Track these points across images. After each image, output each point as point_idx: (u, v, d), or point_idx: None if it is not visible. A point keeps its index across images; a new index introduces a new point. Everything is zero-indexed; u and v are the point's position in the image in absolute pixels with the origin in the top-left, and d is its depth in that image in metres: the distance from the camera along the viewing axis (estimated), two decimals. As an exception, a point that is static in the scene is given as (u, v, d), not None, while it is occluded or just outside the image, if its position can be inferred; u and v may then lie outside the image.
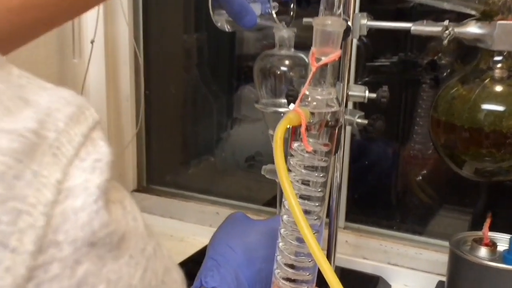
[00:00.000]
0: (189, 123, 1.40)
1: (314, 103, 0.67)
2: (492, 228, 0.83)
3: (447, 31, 0.75)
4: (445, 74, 1.14)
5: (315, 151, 0.67)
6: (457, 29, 0.75)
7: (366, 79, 1.14)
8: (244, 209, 1.15)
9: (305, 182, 0.68)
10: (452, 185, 1.13)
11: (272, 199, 1.16)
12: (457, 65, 1.13)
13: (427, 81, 1.13)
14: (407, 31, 0.79)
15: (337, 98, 0.69)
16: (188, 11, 1.34)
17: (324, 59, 0.66)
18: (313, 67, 0.67)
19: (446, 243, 0.99)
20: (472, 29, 0.75)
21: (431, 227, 1.08)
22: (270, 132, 0.93)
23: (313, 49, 0.67)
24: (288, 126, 0.64)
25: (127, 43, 1.15)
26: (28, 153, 0.25)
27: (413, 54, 1.16)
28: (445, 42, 0.75)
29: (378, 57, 1.17)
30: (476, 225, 1.09)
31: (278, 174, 0.61)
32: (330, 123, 0.68)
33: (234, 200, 1.20)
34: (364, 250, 1.04)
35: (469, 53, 1.10)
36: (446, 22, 0.75)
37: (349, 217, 1.08)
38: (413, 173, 1.17)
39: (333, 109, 0.68)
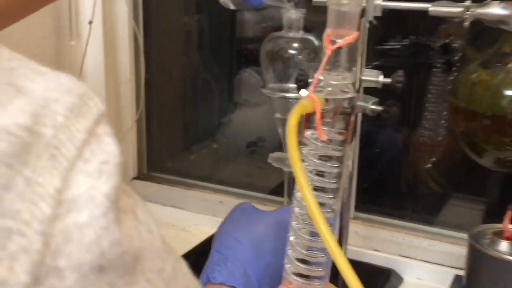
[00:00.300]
0: (190, 108, 1.37)
1: (329, 88, 0.63)
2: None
3: (468, 12, 0.70)
4: (456, 58, 1.10)
5: (329, 140, 0.63)
6: (479, 10, 0.70)
7: (376, 63, 1.10)
8: (248, 198, 1.11)
9: (319, 173, 0.64)
10: (465, 173, 1.09)
11: (277, 187, 1.12)
12: (469, 50, 1.08)
13: (438, 65, 1.09)
14: (418, 12, 0.75)
15: (353, 84, 0.65)
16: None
17: (339, 42, 0.62)
18: (328, 50, 0.62)
19: (461, 235, 0.96)
20: (495, 10, 0.70)
21: (444, 217, 1.05)
22: (277, 115, 0.89)
23: (327, 30, 0.63)
24: (302, 114, 0.60)
25: (126, 24, 1.10)
26: (19, 155, 0.20)
27: (424, 37, 1.12)
28: (466, 23, 0.70)
29: (387, 40, 1.13)
30: (491, 215, 1.06)
31: (292, 165, 0.57)
32: (346, 110, 0.64)
33: (238, 188, 1.16)
34: (375, 241, 1.00)
35: (481, 36, 1.06)
36: (467, 2, 0.70)
37: (358, 207, 1.04)
38: (424, 160, 1.14)
39: (348, 95, 0.64)
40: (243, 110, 1.32)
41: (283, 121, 0.89)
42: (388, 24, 1.09)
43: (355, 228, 1.00)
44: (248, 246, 0.72)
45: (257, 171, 1.26)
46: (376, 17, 0.77)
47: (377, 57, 1.11)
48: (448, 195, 1.09)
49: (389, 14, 0.79)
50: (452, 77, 1.09)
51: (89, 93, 0.24)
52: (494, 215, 1.06)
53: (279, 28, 1.29)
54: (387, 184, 1.15)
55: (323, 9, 0.63)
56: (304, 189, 0.55)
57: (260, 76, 1.27)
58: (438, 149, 1.13)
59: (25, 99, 0.22)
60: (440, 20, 1.06)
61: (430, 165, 1.13)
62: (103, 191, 0.22)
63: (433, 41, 1.10)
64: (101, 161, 0.23)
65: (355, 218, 1.03)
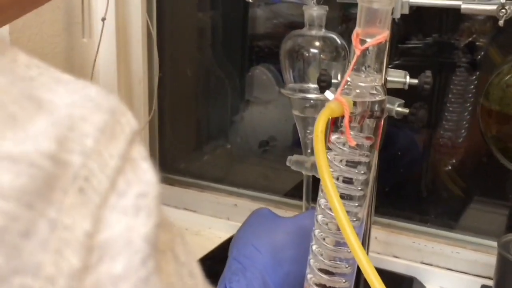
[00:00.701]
0: (202, 106, 1.34)
1: (357, 90, 0.60)
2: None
3: (503, 10, 0.67)
4: (479, 57, 1.06)
5: (357, 145, 0.60)
6: (515, 8, 0.67)
7: (397, 62, 1.06)
8: (263, 201, 1.09)
9: (346, 179, 0.61)
10: (489, 176, 1.05)
11: (293, 189, 1.09)
12: (491, 49, 1.05)
13: (462, 65, 1.06)
14: (440, 9, 0.72)
15: (382, 86, 0.62)
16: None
17: (369, 41, 0.59)
18: (358, 50, 0.59)
19: (486, 241, 0.93)
20: (532, 8, 0.67)
21: (468, 223, 1.01)
22: (295, 113, 0.86)
23: (357, 29, 0.59)
24: (330, 118, 0.57)
25: (139, 21, 1.07)
26: (42, 192, 0.16)
27: (446, 35, 1.08)
28: (501, 22, 0.67)
29: (409, 38, 1.10)
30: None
31: (320, 173, 0.53)
32: (375, 113, 0.60)
33: (252, 191, 1.13)
34: (395, 247, 0.96)
35: (505, 35, 1.03)
36: (503, 0, 0.66)
37: (378, 211, 1.00)
38: (445, 163, 1.10)
39: (378, 98, 0.61)
40: (255, 108, 1.29)
41: (302, 119, 0.86)
42: (410, 21, 1.06)
43: (375, 234, 0.97)
44: (267, 255, 0.69)
45: (271, 172, 1.24)
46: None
47: (398, 55, 1.08)
48: (471, 199, 1.05)
49: (410, 11, 0.76)
50: (474, 77, 1.06)
51: (121, 108, 0.20)
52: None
53: (290, 24, 1.27)
54: (408, 187, 1.12)
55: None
56: (333, 199, 0.52)
57: (271, 73, 1.25)
58: (459, 150, 1.09)
59: (48, 118, 0.18)
60: (463, 17, 1.03)
61: (450, 168, 1.10)
62: (142, 233, 0.18)
63: (456, 40, 1.06)
64: (138, 193, 0.19)
65: (374, 222, 0.99)
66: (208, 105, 1.34)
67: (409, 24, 1.07)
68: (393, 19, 0.99)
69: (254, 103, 1.29)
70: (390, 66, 1.02)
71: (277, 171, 1.21)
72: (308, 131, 0.85)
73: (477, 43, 1.06)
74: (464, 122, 1.07)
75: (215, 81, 1.31)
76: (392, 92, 0.73)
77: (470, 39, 1.06)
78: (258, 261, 0.69)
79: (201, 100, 1.34)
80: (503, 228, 1.01)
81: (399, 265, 0.94)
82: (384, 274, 0.92)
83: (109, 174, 0.18)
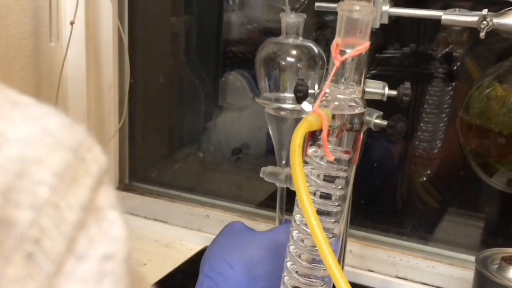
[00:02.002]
0: (175, 114, 1.31)
1: (336, 103, 0.57)
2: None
3: (484, 22, 0.65)
4: (455, 68, 1.06)
5: (336, 160, 0.57)
6: (496, 20, 0.65)
7: (374, 71, 1.05)
8: (236, 212, 1.06)
9: (323, 195, 0.59)
10: (465, 187, 1.04)
11: (267, 199, 1.07)
12: (468, 60, 1.04)
13: (439, 75, 1.05)
14: (417, 19, 0.70)
15: (362, 98, 0.59)
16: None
17: (349, 52, 0.57)
18: (337, 61, 0.57)
19: (462, 255, 0.91)
20: (514, 20, 0.65)
21: (444, 236, 1.00)
22: (269, 122, 0.83)
23: (337, 39, 0.57)
24: (307, 131, 0.54)
25: (110, 25, 1.04)
26: None
27: (423, 45, 1.07)
28: (482, 34, 0.65)
29: (386, 47, 1.08)
30: (493, 234, 1.01)
31: (296, 188, 0.51)
32: (354, 126, 0.58)
33: (225, 201, 1.10)
34: (370, 261, 0.94)
35: (482, 46, 1.02)
36: (484, 11, 0.65)
37: (352, 223, 0.98)
38: (420, 174, 1.09)
39: (357, 111, 0.59)
40: (228, 114, 1.28)
41: (277, 129, 0.84)
42: (387, 31, 1.04)
43: (349, 247, 0.95)
44: (240, 272, 0.67)
45: (245, 181, 1.22)
46: (376, 24, 0.72)
47: (374, 65, 1.06)
48: (447, 211, 1.04)
49: (389, 21, 0.74)
50: (451, 88, 1.05)
51: (87, 142, 0.17)
52: (496, 233, 1.02)
53: (265, 30, 1.25)
54: (383, 198, 1.10)
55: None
56: (309, 215, 0.50)
57: (245, 79, 1.23)
58: (435, 162, 1.08)
59: None
60: (440, 27, 1.02)
61: (426, 179, 1.09)
62: None
63: (433, 50, 1.05)
64: (102, 255, 0.15)
65: (348, 235, 0.98)
66: (180, 111, 1.31)
67: (387, 34, 1.06)
68: (372, 29, 0.98)
69: (227, 109, 1.28)
70: (367, 76, 1.01)
71: (250, 180, 1.19)
72: (283, 143, 0.83)
73: (454, 54, 1.05)
74: (440, 133, 1.06)
75: (188, 87, 1.29)
76: (368, 102, 0.72)
77: (447, 49, 1.05)
78: (231, 278, 0.67)
79: (173, 106, 1.32)
80: (479, 241, 1.00)
81: (374, 280, 0.93)
82: (358, 289, 0.91)
83: (67, 232, 0.15)
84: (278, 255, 0.63)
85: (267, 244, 0.70)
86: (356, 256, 0.95)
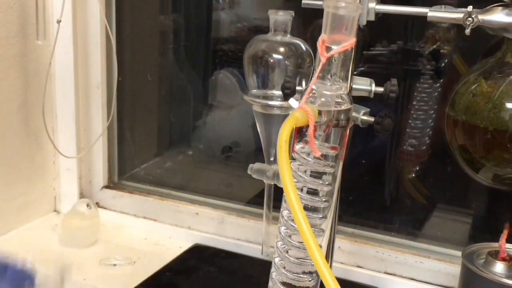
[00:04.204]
0: (164, 112, 1.31)
1: (322, 99, 0.58)
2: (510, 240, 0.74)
3: (469, 18, 0.66)
4: (443, 64, 1.06)
5: (322, 156, 0.58)
6: (481, 16, 0.66)
7: (361, 68, 1.05)
8: (225, 209, 1.06)
9: (310, 190, 0.59)
10: (453, 184, 1.05)
11: (256, 197, 1.07)
12: (456, 57, 1.04)
13: (426, 72, 1.05)
14: (405, 16, 0.71)
15: (348, 94, 0.60)
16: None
17: (335, 48, 0.57)
18: (323, 58, 0.57)
19: (450, 251, 0.92)
20: (499, 16, 0.66)
21: (432, 232, 1.00)
22: (257, 119, 0.84)
23: (323, 36, 0.57)
24: (294, 127, 0.55)
25: (98, 23, 1.04)
26: None
27: (411, 43, 1.08)
28: (468, 31, 0.66)
29: (373, 44, 1.09)
30: (480, 229, 1.02)
31: (284, 185, 0.51)
32: (341, 122, 0.58)
33: (214, 198, 1.10)
34: (359, 257, 0.95)
35: (469, 43, 1.03)
36: (469, 8, 0.65)
37: (341, 219, 0.99)
38: (409, 170, 1.09)
39: (343, 107, 0.59)
40: (218, 112, 1.28)
41: (264, 126, 0.84)
42: (374, 28, 1.05)
43: (338, 243, 0.95)
44: None
45: (234, 178, 1.22)
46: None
47: (362, 62, 1.07)
48: (435, 207, 1.05)
49: (376, 18, 0.74)
50: (438, 84, 1.05)
51: None
52: (483, 229, 1.03)
53: (255, 28, 1.25)
54: (371, 195, 1.11)
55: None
56: (296, 211, 0.50)
57: (235, 77, 1.23)
58: (423, 158, 1.09)
59: None
60: (427, 24, 1.03)
61: (414, 175, 1.09)
62: None
63: (421, 47, 1.06)
64: None
65: (337, 232, 0.98)
66: (169, 110, 1.31)
67: (374, 31, 1.06)
68: (359, 26, 0.98)
69: (217, 107, 1.28)
70: (354, 73, 1.01)
71: (240, 178, 1.19)
72: (271, 140, 0.83)
73: (442, 51, 1.05)
74: (428, 130, 1.07)
75: (177, 86, 1.29)
76: (355, 98, 0.72)
77: (434, 46, 1.06)
78: None
79: (163, 105, 1.32)
80: (467, 236, 1.00)
81: (363, 275, 0.93)
82: (347, 284, 0.91)
83: None
84: None
85: None
86: (345, 253, 0.95)
